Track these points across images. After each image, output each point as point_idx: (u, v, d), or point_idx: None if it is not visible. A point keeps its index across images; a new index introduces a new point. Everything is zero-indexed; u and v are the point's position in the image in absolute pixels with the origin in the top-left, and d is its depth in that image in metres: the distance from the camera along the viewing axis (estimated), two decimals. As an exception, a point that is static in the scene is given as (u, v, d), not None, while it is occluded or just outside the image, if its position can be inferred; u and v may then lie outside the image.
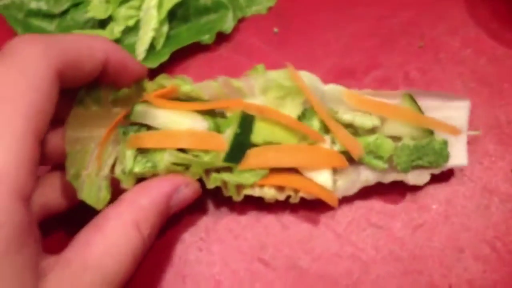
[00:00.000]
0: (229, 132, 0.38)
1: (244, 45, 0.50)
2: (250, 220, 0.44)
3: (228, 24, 0.48)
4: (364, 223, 0.44)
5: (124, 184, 0.38)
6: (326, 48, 0.50)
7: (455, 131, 0.42)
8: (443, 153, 0.41)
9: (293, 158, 0.39)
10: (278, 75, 0.39)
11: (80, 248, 0.32)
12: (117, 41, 0.47)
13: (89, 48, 0.34)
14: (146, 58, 0.46)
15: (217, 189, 0.40)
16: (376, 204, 0.44)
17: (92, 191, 0.38)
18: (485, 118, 0.47)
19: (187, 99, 0.40)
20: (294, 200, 0.41)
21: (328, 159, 0.40)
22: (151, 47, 0.46)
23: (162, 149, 0.38)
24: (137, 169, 0.38)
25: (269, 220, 0.44)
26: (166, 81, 0.40)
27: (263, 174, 0.39)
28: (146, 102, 0.39)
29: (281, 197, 0.41)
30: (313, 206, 0.43)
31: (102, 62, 0.35)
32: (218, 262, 0.42)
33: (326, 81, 0.42)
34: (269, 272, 0.42)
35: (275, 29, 0.50)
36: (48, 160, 0.38)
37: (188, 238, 0.43)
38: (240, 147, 0.38)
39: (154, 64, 0.46)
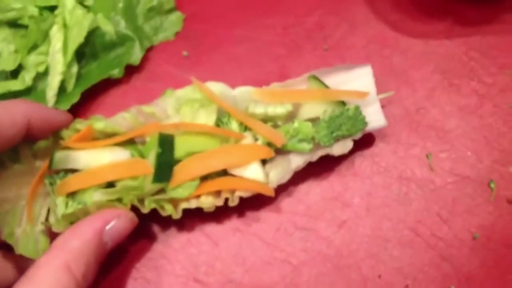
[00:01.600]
0: (152, 155, 0.40)
1: (156, 73, 0.52)
2: (181, 242, 0.46)
3: (136, 56, 0.50)
4: (291, 228, 0.46)
5: (55, 228, 0.40)
6: (237, 63, 0.52)
7: (361, 95, 0.44)
8: (358, 118, 0.43)
9: (219, 161, 0.40)
10: (186, 92, 0.42)
11: None
12: (30, 88, 0.48)
13: (9, 114, 0.37)
14: (57, 101, 0.48)
15: (154, 214, 0.42)
16: (300, 208, 0.46)
17: (29, 244, 0.40)
18: (395, 108, 0.49)
19: (105, 137, 0.42)
20: (233, 202, 0.42)
21: (253, 152, 0.42)
22: (63, 89, 0.48)
23: (90, 188, 0.40)
24: (69, 211, 0.39)
25: (199, 239, 0.46)
26: (80, 125, 0.42)
27: (195, 185, 0.40)
28: (65, 148, 0.41)
29: (219, 202, 0.42)
30: (242, 219, 0.46)
31: (25, 126, 0.38)
32: (153, 288, 0.44)
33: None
34: (205, 290, 0.44)
35: (185, 53, 0.52)
36: None
37: (122, 269, 0.45)
38: (165, 165, 0.39)
39: (66, 106, 0.48)
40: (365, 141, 0.48)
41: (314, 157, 0.44)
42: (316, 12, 0.54)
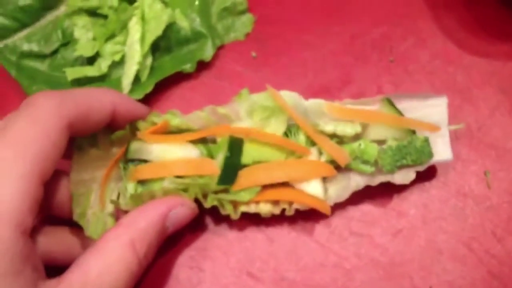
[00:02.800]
0: (220, 157, 0.42)
1: (224, 71, 0.54)
2: (238, 236, 0.48)
3: (208, 52, 0.53)
4: (345, 233, 0.48)
5: (123, 207, 0.42)
6: (303, 68, 0.54)
7: (433, 128, 0.45)
8: (425, 150, 0.44)
9: (282, 173, 0.42)
10: (260, 98, 0.43)
11: (80, 269, 0.36)
12: (105, 75, 0.51)
13: (99, 101, 0.40)
14: (131, 90, 0.51)
15: (213, 209, 0.44)
16: (356, 213, 0.48)
17: (98, 227, 0.43)
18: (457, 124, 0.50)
19: (178, 131, 0.45)
20: (289, 212, 0.44)
21: (316, 169, 0.43)
22: (136, 79, 0.51)
23: (160, 178, 0.42)
24: (137, 192, 0.42)
25: (255, 234, 0.48)
26: (157, 118, 0.44)
27: (257, 191, 0.42)
28: (140, 139, 0.44)
29: (277, 210, 0.44)
30: (298, 218, 0.47)
31: (111, 113, 0.41)
32: (208, 278, 0.46)
33: (304, 98, 0.46)
34: (258, 285, 0.46)
35: (254, 53, 0.55)
36: (56, 208, 0.43)
37: (179, 258, 0.47)
38: (231, 169, 0.42)
39: (139, 95, 0.50)
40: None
41: (375, 181, 0.45)
42: (383, 24, 0.55)
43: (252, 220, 0.47)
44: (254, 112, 0.44)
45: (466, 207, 0.48)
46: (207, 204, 0.43)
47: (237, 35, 0.55)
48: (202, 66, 0.54)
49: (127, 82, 0.50)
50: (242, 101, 0.43)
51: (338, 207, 0.48)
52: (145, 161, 0.43)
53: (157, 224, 0.39)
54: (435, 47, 0.54)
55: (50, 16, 0.53)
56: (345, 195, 0.45)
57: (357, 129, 0.44)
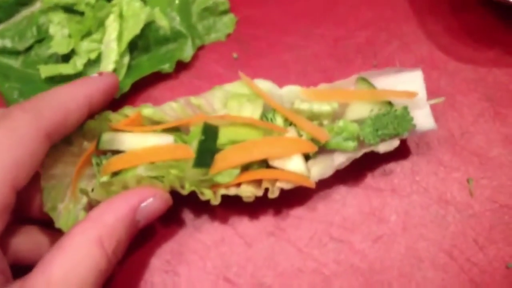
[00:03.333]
0: (195, 141, 0.41)
1: (204, 72, 0.54)
2: (215, 240, 0.47)
3: (187, 53, 0.52)
4: (325, 238, 0.47)
5: (92, 195, 0.41)
6: (285, 70, 0.54)
7: (410, 94, 0.45)
8: (406, 117, 0.44)
9: (261, 150, 0.42)
10: (234, 87, 0.44)
11: (44, 269, 0.34)
12: (80, 74, 0.50)
13: (75, 101, 0.40)
14: None
15: (191, 198, 0.43)
16: (336, 218, 0.48)
17: (69, 220, 0.42)
18: (440, 130, 0.50)
19: (152, 124, 0.44)
20: (273, 194, 0.43)
21: (296, 145, 0.43)
22: (113, 78, 0.50)
23: (132, 168, 0.41)
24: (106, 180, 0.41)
25: (232, 239, 0.47)
26: (129, 111, 0.44)
27: (236, 173, 0.42)
28: (112, 130, 0.44)
29: (259, 192, 0.43)
30: (278, 222, 0.47)
31: (87, 107, 0.41)
32: (183, 283, 0.46)
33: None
34: (234, 291, 0.45)
35: (235, 55, 0.54)
36: (29, 211, 0.43)
37: (153, 261, 0.46)
38: (207, 152, 0.41)
39: (116, 95, 0.49)
40: (406, 158, 0.49)
41: (358, 154, 0.45)
42: (367, 27, 0.55)
43: (231, 223, 0.47)
44: (229, 101, 0.44)
45: (447, 214, 0.48)
46: (185, 191, 0.41)
47: (218, 36, 0.55)
48: (181, 66, 0.53)
49: (103, 81, 0.49)
50: (216, 91, 0.44)
51: (318, 213, 0.48)
52: (118, 152, 0.43)
53: (127, 218, 0.38)
54: (420, 52, 0.54)
55: (25, 12, 0.53)
56: (328, 172, 0.45)
57: (334, 105, 0.44)
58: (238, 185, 0.43)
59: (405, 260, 0.46)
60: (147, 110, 0.43)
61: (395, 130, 0.44)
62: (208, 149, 0.41)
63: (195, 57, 0.54)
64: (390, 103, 0.45)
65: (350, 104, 0.45)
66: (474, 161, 0.50)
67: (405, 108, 0.44)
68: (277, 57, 0.54)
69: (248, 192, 0.42)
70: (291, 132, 0.44)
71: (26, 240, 0.41)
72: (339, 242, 0.47)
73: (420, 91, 0.46)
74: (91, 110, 0.42)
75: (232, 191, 0.42)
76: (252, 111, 0.43)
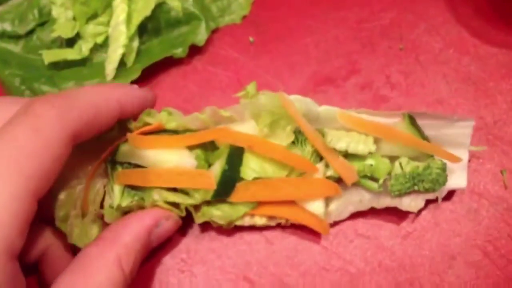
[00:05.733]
0: (218, 168, 0.42)
1: (219, 57, 0.53)
2: (233, 237, 0.47)
3: (201, 36, 0.52)
4: (351, 234, 0.47)
5: (107, 219, 0.42)
6: (305, 56, 0.53)
7: (454, 159, 0.44)
8: (440, 179, 0.44)
9: (286, 192, 0.43)
10: (268, 100, 0.42)
11: None
12: (86, 59, 0.50)
13: (105, 103, 0.38)
14: (116, 75, 0.50)
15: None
16: (362, 214, 0.47)
17: (82, 233, 0.42)
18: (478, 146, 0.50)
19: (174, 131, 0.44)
20: (286, 224, 0.45)
21: (321, 189, 0.44)
22: (121, 64, 0.50)
23: (149, 187, 0.42)
24: (124, 204, 0.42)
25: (252, 236, 0.47)
26: (150, 118, 0.43)
27: (253, 206, 0.43)
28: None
29: (272, 223, 0.45)
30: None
31: (118, 112, 0.39)
32: (201, 283, 0.46)
33: (306, 89, 0.47)
34: (255, 291, 0.45)
35: (251, 38, 0.54)
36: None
37: (168, 261, 0.46)
38: (228, 183, 0.42)
39: (125, 81, 0.49)
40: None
41: (380, 203, 0.45)
42: (393, 9, 0.55)
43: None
44: (260, 116, 0.43)
45: (481, 208, 0.48)
46: (197, 219, 0.43)
47: (233, 18, 0.54)
48: (195, 51, 0.53)
49: (111, 67, 0.49)
50: (247, 103, 0.42)
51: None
52: (133, 165, 0.43)
53: (142, 239, 0.40)
54: (449, 35, 0.54)
55: (26, -7, 0.52)
56: (346, 213, 0.46)
57: (371, 148, 0.43)
58: (252, 215, 0.44)
59: (436, 258, 0.46)
60: (171, 124, 0.43)
61: (425, 190, 0.44)
62: (230, 179, 0.42)
63: (209, 41, 0.53)
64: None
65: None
66: (508, 151, 0.50)
67: (444, 169, 0.44)
68: (297, 41, 0.54)
69: (261, 223, 0.44)
70: (320, 170, 0.44)
71: (39, 242, 0.41)
72: (366, 238, 0.47)
73: (464, 142, 0.46)
74: (120, 119, 0.41)
75: (246, 221, 0.44)
76: (282, 138, 0.43)
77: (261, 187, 0.42)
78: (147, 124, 0.43)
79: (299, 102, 0.43)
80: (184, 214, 0.43)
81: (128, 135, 0.41)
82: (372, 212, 0.47)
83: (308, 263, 0.46)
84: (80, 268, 0.36)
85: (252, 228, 0.46)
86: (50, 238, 0.42)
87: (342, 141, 0.44)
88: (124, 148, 0.42)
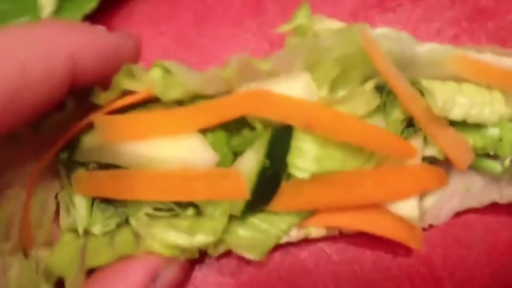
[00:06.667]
0: (250, 162, 0.31)
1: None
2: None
3: None
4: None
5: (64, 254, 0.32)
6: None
7: None
8: None
9: (360, 193, 0.31)
10: (334, 40, 0.30)
11: None
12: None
13: (45, 56, 0.27)
14: (61, 7, 0.38)
15: None
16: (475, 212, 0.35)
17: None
18: None
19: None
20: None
21: (419, 182, 0.32)
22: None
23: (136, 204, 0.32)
24: (97, 229, 0.32)
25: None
26: (132, 83, 0.31)
27: (306, 215, 0.32)
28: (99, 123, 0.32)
29: (335, 232, 0.34)
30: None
31: (70, 75, 0.28)
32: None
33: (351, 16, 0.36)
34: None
35: None
36: None
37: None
38: (268, 185, 0.31)
39: (75, 15, 0.37)
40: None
41: (504, 195, 0.34)
42: None
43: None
44: (320, 68, 0.31)
45: None
46: (215, 253, 0.33)
47: None
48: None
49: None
50: (299, 45, 0.30)
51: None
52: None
53: None
54: None
55: None
56: (446, 212, 0.34)
57: (503, 111, 0.32)
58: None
59: None
60: (174, 93, 0.30)
61: None
62: (273, 179, 0.31)
63: None
64: None
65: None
66: None
67: None
68: None
69: (318, 234, 0.34)
70: (416, 144, 0.32)
71: None
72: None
73: None
74: (75, 88, 0.30)
75: (293, 235, 0.33)
76: (357, 106, 0.31)
77: (322, 187, 0.31)
78: (127, 94, 0.31)
79: (386, 40, 0.30)
80: (197, 255, 0.33)
81: (94, 116, 0.30)
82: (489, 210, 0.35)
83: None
84: None
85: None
86: None
87: (457, 104, 0.31)
88: (88, 140, 0.31)
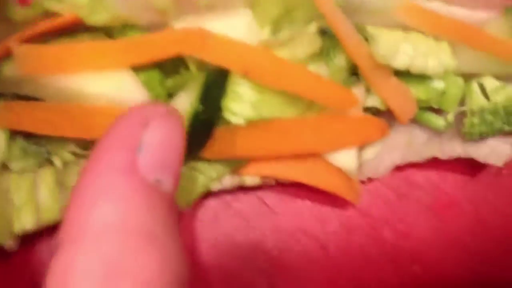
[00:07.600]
0: (184, 104, 0.29)
1: None
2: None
3: None
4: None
5: None
6: None
7: None
8: None
9: (298, 142, 0.31)
10: None
11: None
12: None
13: None
14: None
15: None
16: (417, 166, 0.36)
17: None
18: None
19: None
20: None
21: (359, 133, 0.32)
22: None
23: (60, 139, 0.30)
24: (18, 164, 0.31)
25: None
26: (56, 3, 0.29)
27: (238, 164, 0.32)
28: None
29: (271, 181, 0.34)
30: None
31: None
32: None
33: None
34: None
35: None
36: None
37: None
38: (200, 130, 0.29)
39: None
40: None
41: (445, 151, 0.34)
42: None
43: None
44: (262, 5, 0.30)
45: None
46: None
47: None
48: None
49: None
50: None
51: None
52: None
53: (133, 198, 0.21)
54: None
55: None
56: (386, 165, 0.34)
57: (449, 63, 0.32)
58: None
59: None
60: (100, 17, 0.28)
61: None
62: (206, 124, 0.30)
63: None
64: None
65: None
66: None
67: None
68: None
69: (253, 182, 0.33)
70: (358, 93, 0.32)
71: None
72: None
73: None
74: None
75: (226, 182, 0.33)
76: (301, 47, 0.30)
77: (258, 134, 0.30)
78: (50, 16, 0.29)
79: None
80: None
81: (13, 44, 0.28)
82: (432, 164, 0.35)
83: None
84: None
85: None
86: None
87: (400, 53, 0.31)
88: (7, 69, 0.29)
